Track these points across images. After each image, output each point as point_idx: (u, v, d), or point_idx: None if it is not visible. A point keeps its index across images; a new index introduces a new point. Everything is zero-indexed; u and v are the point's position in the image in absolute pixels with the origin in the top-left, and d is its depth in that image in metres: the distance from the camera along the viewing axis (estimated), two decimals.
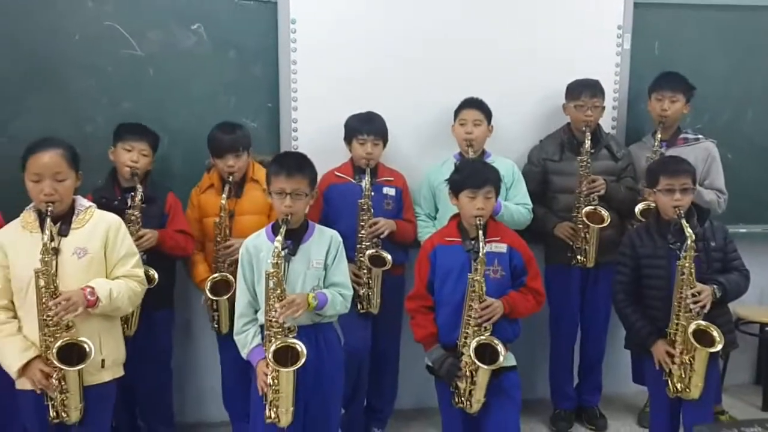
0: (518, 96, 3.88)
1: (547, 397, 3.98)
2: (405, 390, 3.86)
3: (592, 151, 3.63)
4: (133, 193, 3.24)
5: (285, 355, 2.61)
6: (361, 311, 3.45)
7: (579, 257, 3.65)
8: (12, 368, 2.58)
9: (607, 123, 3.90)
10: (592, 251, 3.61)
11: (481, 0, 3.83)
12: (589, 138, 3.62)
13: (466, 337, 2.89)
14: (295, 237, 2.79)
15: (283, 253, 2.68)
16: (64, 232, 2.62)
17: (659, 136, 3.68)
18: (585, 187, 3.61)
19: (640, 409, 4.00)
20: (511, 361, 2.96)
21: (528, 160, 3.85)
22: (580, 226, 3.62)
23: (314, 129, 3.72)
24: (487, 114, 3.63)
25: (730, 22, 4.08)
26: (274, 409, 2.65)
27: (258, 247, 2.80)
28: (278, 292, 2.64)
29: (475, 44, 3.82)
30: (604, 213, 3.57)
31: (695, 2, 4.03)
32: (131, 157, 3.30)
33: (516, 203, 3.58)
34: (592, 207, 3.60)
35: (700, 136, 3.79)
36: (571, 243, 3.66)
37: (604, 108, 3.76)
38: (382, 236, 3.45)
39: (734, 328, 3.13)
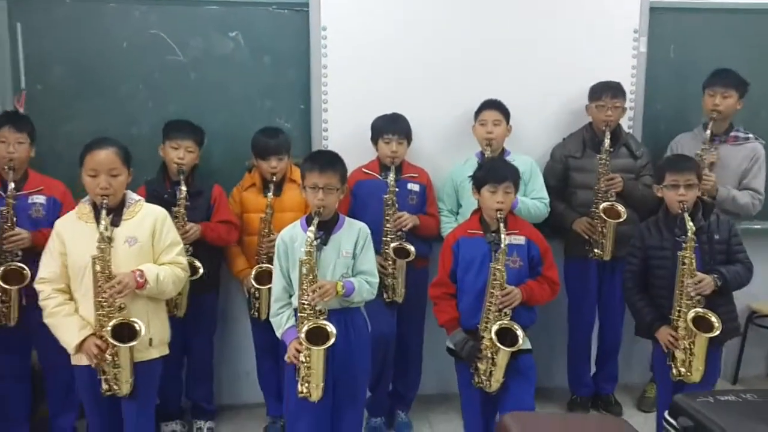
0: (539, 97, 3.99)
1: (565, 384, 4.12)
2: (428, 376, 4.00)
3: (611, 149, 3.75)
4: (180, 188, 3.45)
5: (316, 335, 2.81)
6: (387, 300, 3.62)
7: (596, 251, 3.77)
8: (70, 344, 2.81)
9: (623, 123, 3.99)
10: (609, 245, 3.73)
11: (503, 5, 3.94)
12: (609, 137, 3.73)
13: (487, 322, 3.06)
14: (326, 228, 2.98)
15: (315, 242, 2.87)
16: (116, 223, 2.85)
17: (709, 132, 3.73)
18: (603, 183, 3.73)
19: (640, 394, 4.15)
20: (527, 345, 3.12)
21: (551, 156, 3.97)
22: (598, 220, 3.74)
23: (343, 129, 3.87)
24: (506, 114, 3.77)
25: (745, 25, 4.14)
26: (306, 384, 2.85)
27: (293, 238, 3.00)
28: (310, 278, 2.85)
29: (497, 48, 3.94)
30: (621, 208, 3.70)
31: (711, 6, 4.12)
32: (178, 154, 3.50)
33: (533, 197, 3.72)
34: (610, 203, 3.72)
35: (750, 135, 3.88)
36: (588, 237, 3.80)
37: (625, 109, 3.88)
38: (405, 229, 3.60)
39: (736, 317, 3.24)
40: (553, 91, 4.03)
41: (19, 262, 3.25)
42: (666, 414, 2.08)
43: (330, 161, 3.01)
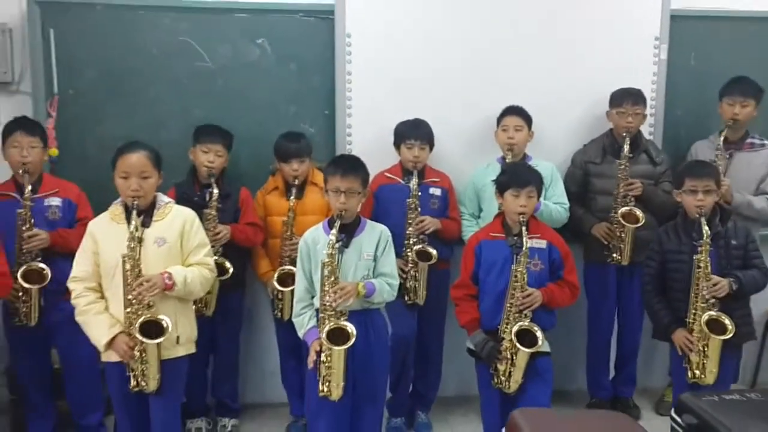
0: (560, 103, 4.03)
1: (584, 387, 4.15)
2: (449, 378, 4.06)
3: (631, 155, 3.78)
4: (210, 190, 3.54)
5: (337, 336, 2.88)
6: (408, 302, 3.68)
7: (615, 255, 3.81)
8: (100, 342, 2.89)
9: (644, 130, 4.02)
10: (628, 250, 3.77)
11: (525, 13, 3.98)
12: (628, 143, 3.77)
13: (507, 323, 3.12)
14: (348, 231, 3.05)
15: (337, 245, 2.94)
16: (146, 224, 2.93)
17: (721, 140, 3.77)
18: (622, 188, 3.77)
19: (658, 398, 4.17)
20: (546, 347, 3.17)
21: (571, 162, 4.02)
22: (616, 225, 3.78)
23: (366, 134, 3.94)
24: (528, 120, 3.82)
25: (765, 32, 4.17)
26: (327, 384, 2.92)
27: (315, 240, 3.08)
28: (332, 279, 2.92)
29: (519, 54, 3.99)
30: (639, 214, 3.74)
31: (731, 14, 4.15)
32: (208, 158, 3.59)
33: (554, 202, 3.76)
34: (628, 208, 3.76)
35: (765, 142, 3.92)
36: (606, 242, 3.84)
37: (645, 116, 3.92)
38: (427, 233, 3.66)
39: (752, 321, 3.28)
40: (574, 98, 4.07)
41: (40, 262, 3.33)
42: (672, 412, 2.12)
43: (352, 165, 3.09)
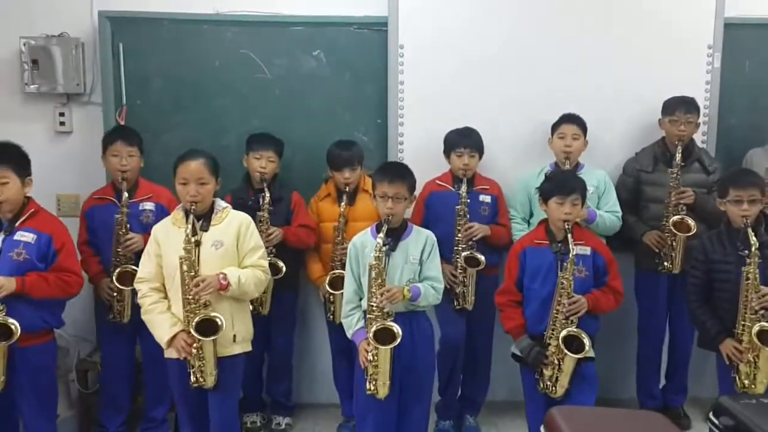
0: (612, 112, 4.06)
1: (635, 396, 4.13)
2: (498, 383, 4.10)
3: (683, 164, 3.77)
4: (262, 195, 3.69)
5: (383, 336, 2.99)
6: (457, 307, 3.74)
7: (666, 264, 3.80)
8: (163, 339, 3.05)
9: (697, 138, 3.99)
10: (679, 258, 3.75)
11: (578, 21, 4.02)
12: (680, 151, 3.76)
13: (553, 329, 3.17)
14: (395, 235, 3.15)
15: (384, 248, 3.05)
16: (204, 228, 3.08)
17: None
18: (674, 197, 3.77)
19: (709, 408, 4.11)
20: (591, 353, 3.19)
21: (623, 170, 4.02)
22: (668, 234, 3.77)
23: (418, 142, 4.03)
24: (584, 128, 3.85)
25: None
26: (374, 382, 3.03)
27: (363, 243, 3.19)
28: (379, 282, 3.03)
29: (570, 63, 4.02)
30: (691, 222, 3.72)
31: None
32: (260, 164, 3.74)
33: (606, 211, 3.78)
34: (680, 216, 3.75)
35: None
36: (657, 250, 3.83)
37: (698, 124, 3.90)
38: (476, 239, 3.73)
39: None
40: (626, 106, 4.08)
41: (132, 264, 3.53)
42: (710, 414, 2.15)
43: (399, 172, 3.19)
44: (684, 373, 4.07)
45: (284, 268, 3.70)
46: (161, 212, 3.63)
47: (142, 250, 3.46)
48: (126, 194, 3.55)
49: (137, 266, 3.41)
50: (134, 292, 3.46)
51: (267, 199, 3.68)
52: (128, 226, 3.56)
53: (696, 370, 4.16)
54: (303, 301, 4.17)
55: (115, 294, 3.57)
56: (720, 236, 3.32)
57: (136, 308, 3.46)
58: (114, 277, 3.53)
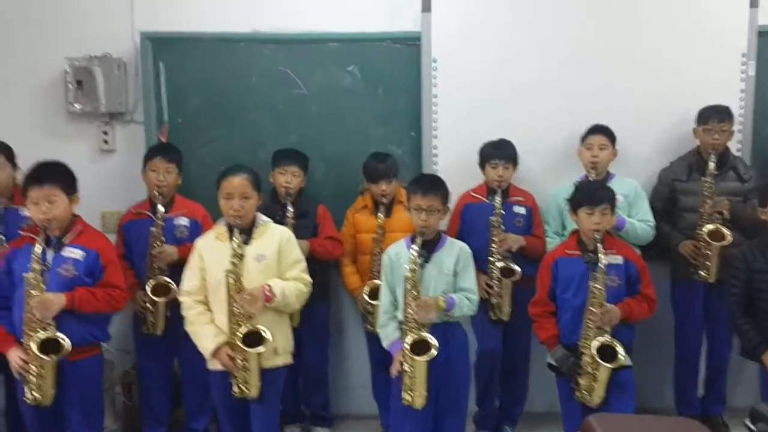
0: (645, 121, 4.07)
1: (673, 405, 4.13)
2: (536, 394, 4.11)
3: (717, 172, 3.77)
4: (287, 208, 3.76)
5: (419, 347, 3.02)
6: (493, 318, 3.78)
7: (701, 273, 3.79)
8: (207, 350, 3.12)
9: (732, 147, 3.99)
10: (714, 267, 3.75)
11: (610, 31, 4.05)
12: (714, 160, 3.76)
13: (587, 339, 3.18)
14: (429, 247, 3.19)
15: (418, 260, 3.09)
16: (247, 242, 3.14)
17: None
18: (709, 206, 3.77)
19: None
20: (628, 361, 3.20)
21: (658, 179, 4.03)
22: (702, 243, 3.76)
23: (452, 154, 4.07)
24: (612, 139, 3.86)
25: None
26: (410, 393, 3.07)
27: (398, 254, 3.23)
28: (414, 293, 3.07)
29: (603, 73, 4.05)
30: (726, 231, 3.71)
31: None
32: (285, 179, 3.81)
33: (639, 220, 3.79)
34: (714, 225, 3.73)
35: None
36: (692, 259, 3.82)
37: (732, 132, 3.90)
38: (511, 250, 3.77)
39: None
40: (659, 115, 4.09)
41: (167, 277, 3.63)
42: (747, 420, 2.16)
43: (433, 184, 3.23)
44: (722, 382, 4.06)
45: (311, 281, 3.75)
46: (195, 228, 3.72)
47: (175, 262, 3.60)
48: (162, 208, 3.64)
49: (171, 279, 3.54)
50: (168, 304, 3.61)
51: (290, 212, 3.75)
52: (163, 239, 3.65)
53: (735, 379, 4.14)
54: (337, 312, 4.23)
55: (149, 306, 3.66)
56: (761, 245, 3.31)
57: (171, 321, 3.62)
58: (149, 289, 3.61)
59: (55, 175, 3.15)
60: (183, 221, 3.75)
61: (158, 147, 3.86)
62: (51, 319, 3.03)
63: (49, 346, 2.99)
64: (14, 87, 4.17)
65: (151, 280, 3.63)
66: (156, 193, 3.69)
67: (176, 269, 3.55)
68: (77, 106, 4.12)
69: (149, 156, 3.77)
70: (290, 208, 3.75)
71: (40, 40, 4.16)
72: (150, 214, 3.71)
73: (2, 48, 4.17)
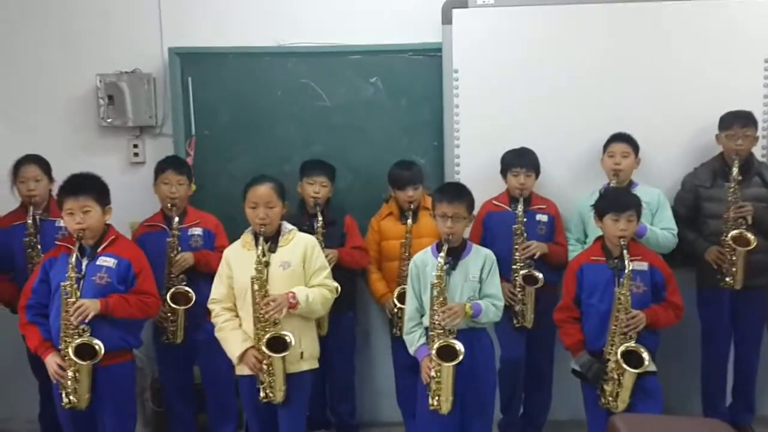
0: (668, 128, 4.07)
1: (701, 413, 4.05)
2: (561, 401, 4.11)
3: (740, 178, 3.75)
4: (317, 218, 3.82)
5: (446, 353, 3.06)
6: (516, 325, 3.79)
7: (727, 279, 3.76)
8: (234, 355, 3.19)
9: (756, 152, 3.97)
10: (740, 274, 3.72)
11: (631, 39, 4.05)
12: (737, 166, 3.74)
13: (612, 345, 3.19)
14: (455, 254, 3.24)
15: (445, 267, 3.14)
16: (272, 249, 3.22)
17: None
18: (733, 212, 3.75)
19: None
20: (653, 367, 3.20)
21: (681, 186, 4.02)
22: (727, 249, 3.74)
23: (474, 163, 4.11)
24: (635, 147, 3.87)
25: None
26: (436, 398, 3.11)
27: (424, 262, 3.28)
28: (440, 299, 3.11)
29: (625, 81, 4.06)
30: (751, 236, 3.68)
31: None
32: (314, 189, 3.88)
33: (661, 228, 3.78)
34: (739, 231, 3.71)
35: None
36: (717, 266, 3.79)
37: (756, 138, 3.88)
38: (534, 258, 3.79)
39: None
40: (682, 122, 4.09)
41: (185, 286, 3.72)
42: None
43: (458, 192, 3.28)
44: (751, 391, 4.02)
45: (338, 288, 3.80)
46: (208, 237, 3.84)
47: (191, 269, 3.69)
48: (177, 219, 3.73)
49: (189, 287, 3.62)
50: (187, 312, 3.69)
51: (320, 222, 3.81)
52: (179, 249, 3.73)
53: (763, 388, 4.10)
54: (364, 318, 4.27)
55: (168, 315, 3.73)
56: None
57: (189, 330, 3.71)
58: (168, 298, 3.68)
59: (89, 186, 3.25)
60: (197, 231, 3.84)
61: (168, 160, 3.94)
62: (85, 323, 3.11)
63: (84, 351, 3.08)
64: (48, 103, 4.31)
65: (170, 290, 3.70)
66: (169, 205, 3.77)
67: (193, 278, 3.71)
68: (108, 120, 4.24)
69: (160, 169, 3.86)
70: (320, 218, 3.82)
71: (72, 58, 4.29)
72: (164, 225, 3.79)
73: (37, 65, 4.31)
